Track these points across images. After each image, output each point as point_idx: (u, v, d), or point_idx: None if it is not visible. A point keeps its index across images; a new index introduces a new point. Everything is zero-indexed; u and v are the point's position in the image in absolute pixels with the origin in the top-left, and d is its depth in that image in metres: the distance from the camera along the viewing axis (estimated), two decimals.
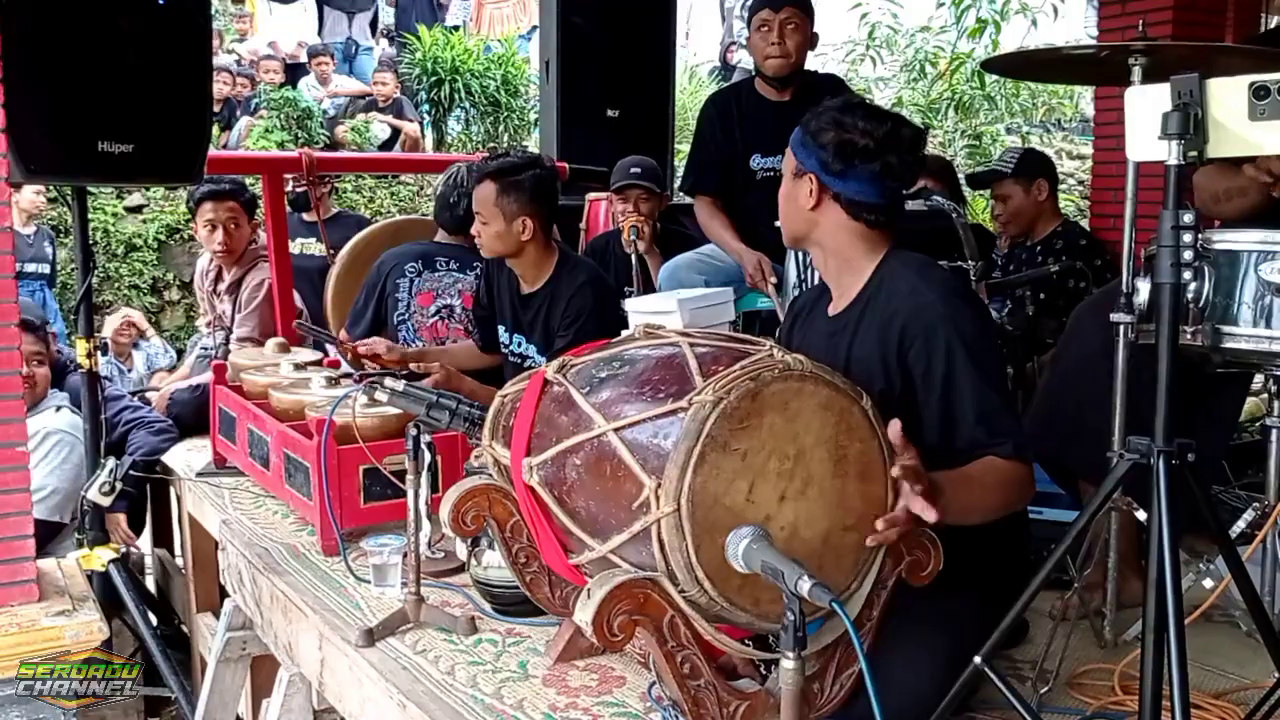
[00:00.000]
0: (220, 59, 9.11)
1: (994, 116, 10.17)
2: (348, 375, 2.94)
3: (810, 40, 3.42)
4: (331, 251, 4.54)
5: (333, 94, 9.69)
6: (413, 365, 2.91)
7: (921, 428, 1.74)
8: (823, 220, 1.90)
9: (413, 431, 2.13)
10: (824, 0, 3.94)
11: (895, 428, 1.56)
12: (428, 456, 2.17)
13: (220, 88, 8.65)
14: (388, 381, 2.30)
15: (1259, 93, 1.45)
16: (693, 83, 10.93)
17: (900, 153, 1.84)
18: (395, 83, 9.62)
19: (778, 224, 2.02)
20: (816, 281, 2.10)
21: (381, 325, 3.72)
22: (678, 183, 5.05)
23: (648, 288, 3.64)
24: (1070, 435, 2.31)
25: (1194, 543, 2.21)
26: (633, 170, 3.91)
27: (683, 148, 5.53)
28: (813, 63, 3.61)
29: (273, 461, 2.79)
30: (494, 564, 2.15)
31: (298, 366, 3.15)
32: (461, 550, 2.41)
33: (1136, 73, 1.98)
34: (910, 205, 2.76)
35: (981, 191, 5.74)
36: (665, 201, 4.00)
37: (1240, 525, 2.05)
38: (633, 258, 3.69)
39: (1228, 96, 1.48)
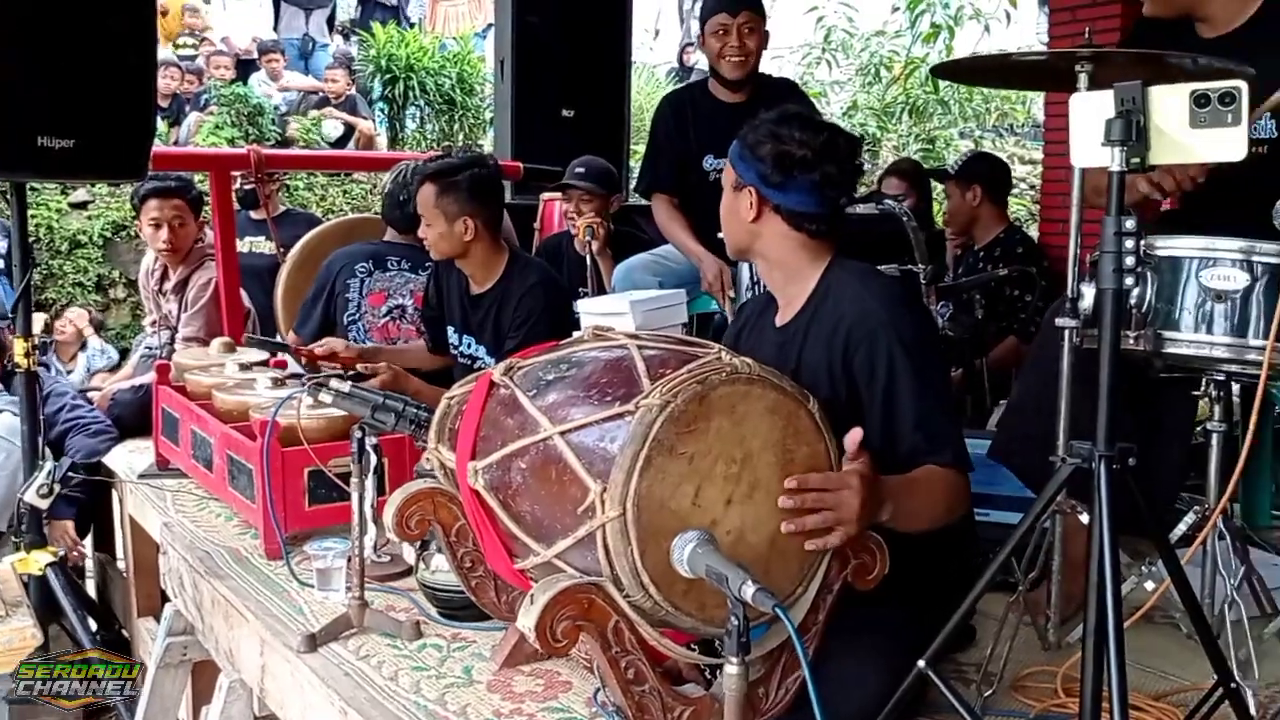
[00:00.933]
0: (166, 53, 8.93)
1: (948, 121, 10.27)
2: (294, 376, 2.89)
3: (763, 40, 3.43)
4: (281, 250, 4.47)
5: (283, 89, 9.55)
6: (360, 366, 2.87)
7: (867, 434, 1.74)
8: (765, 232, 1.91)
9: (357, 434, 2.10)
10: (780, 3, 3.95)
11: (855, 436, 1.59)
12: (373, 459, 2.14)
13: (169, 83, 8.48)
14: (333, 383, 2.27)
15: (1200, 101, 1.47)
16: (650, 83, 10.93)
17: (838, 161, 1.86)
18: (347, 79, 9.49)
19: None
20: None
21: (330, 325, 3.66)
22: (633, 183, 5.05)
23: (602, 289, 3.63)
24: (1038, 445, 2.31)
25: (1136, 544, 2.23)
26: (576, 170, 3.90)
27: (638, 148, 5.52)
28: (768, 65, 3.62)
29: (216, 463, 2.74)
30: (442, 568, 2.12)
31: (243, 367, 3.09)
32: (408, 554, 2.38)
33: (1083, 79, 1.99)
34: (861, 209, 2.77)
35: None
36: (614, 203, 3.98)
37: (1181, 528, 2.07)
38: (587, 258, 3.67)
39: (1170, 104, 1.49)
